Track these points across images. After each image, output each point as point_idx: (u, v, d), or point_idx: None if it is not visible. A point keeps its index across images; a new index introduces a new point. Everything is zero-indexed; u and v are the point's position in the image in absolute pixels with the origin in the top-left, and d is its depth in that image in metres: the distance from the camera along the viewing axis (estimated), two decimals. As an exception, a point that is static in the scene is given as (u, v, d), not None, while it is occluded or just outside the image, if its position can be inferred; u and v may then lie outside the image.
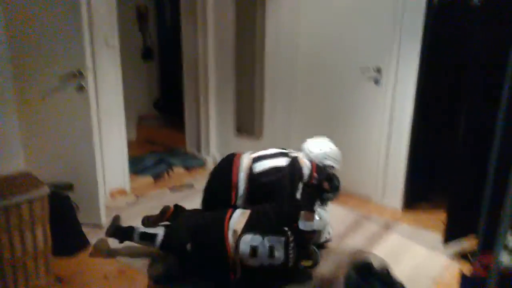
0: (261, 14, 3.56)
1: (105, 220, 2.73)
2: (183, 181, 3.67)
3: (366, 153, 3.21)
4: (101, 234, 2.57)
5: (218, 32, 3.92)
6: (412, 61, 2.81)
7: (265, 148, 2.54)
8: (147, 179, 3.65)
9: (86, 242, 2.45)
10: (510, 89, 1.82)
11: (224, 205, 2.23)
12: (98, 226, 2.68)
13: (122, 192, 3.32)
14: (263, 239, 1.92)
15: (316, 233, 2.17)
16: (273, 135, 3.77)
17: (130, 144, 3.57)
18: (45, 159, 2.54)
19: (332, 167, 2.42)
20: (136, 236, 2.25)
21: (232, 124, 4.05)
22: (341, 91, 3.25)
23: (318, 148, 2.45)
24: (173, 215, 2.51)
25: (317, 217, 2.10)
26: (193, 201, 3.16)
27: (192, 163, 4.08)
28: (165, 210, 2.55)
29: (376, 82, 3.02)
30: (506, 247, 1.25)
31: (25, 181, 2.03)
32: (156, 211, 2.93)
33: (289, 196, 2.17)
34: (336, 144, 3.37)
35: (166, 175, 3.79)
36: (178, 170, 3.92)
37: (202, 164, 4.11)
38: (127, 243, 2.31)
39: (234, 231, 2.01)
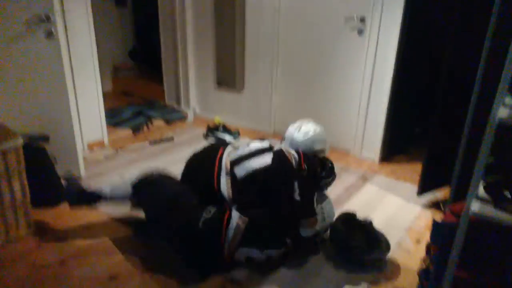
0: (243, -42, 3.37)
1: (84, 173, 2.70)
2: (163, 134, 3.62)
3: (347, 106, 3.23)
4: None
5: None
6: (397, 9, 2.76)
7: (243, 141, 2.42)
8: (125, 132, 3.58)
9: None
10: (492, 41, 1.84)
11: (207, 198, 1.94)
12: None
13: (100, 144, 3.26)
14: (261, 252, 1.81)
15: (320, 233, 2.02)
16: (254, 88, 3.71)
17: (106, 96, 3.46)
18: (18, 111, 2.42)
19: (323, 150, 2.15)
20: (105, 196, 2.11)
21: (212, 76, 3.96)
22: (324, 43, 3.20)
23: (302, 135, 2.10)
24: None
25: (321, 217, 1.95)
26: (173, 154, 3.16)
27: (173, 116, 4.01)
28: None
29: (360, 32, 2.97)
30: (477, 196, 1.32)
31: (-3, 132, 1.95)
32: (136, 164, 2.92)
33: (286, 201, 1.86)
34: (318, 96, 3.40)
35: (145, 128, 3.72)
36: (158, 123, 3.85)
37: (182, 117, 4.04)
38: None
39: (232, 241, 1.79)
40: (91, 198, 2.11)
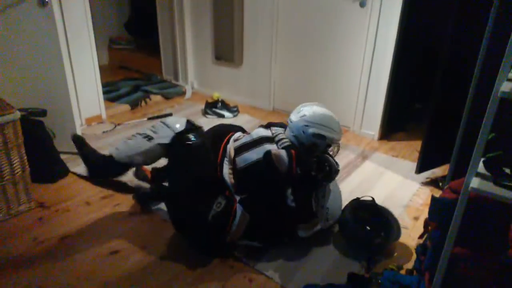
0: None
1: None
2: (161, 110, 3.59)
3: (347, 82, 3.19)
4: (80, 162, 2.55)
5: None
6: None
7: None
8: (123, 107, 3.54)
9: (66, 169, 2.42)
10: (496, 15, 1.80)
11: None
12: (76, 154, 2.63)
13: (98, 119, 3.23)
14: (261, 244, 1.83)
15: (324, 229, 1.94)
16: (253, 63, 3.66)
17: (102, 69, 3.40)
18: (14, 85, 2.39)
19: (320, 136, 1.83)
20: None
21: (210, 50, 3.88)
22: (325, 15, 3.12)
23: (297, 114, 1.88)
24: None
25: (323, 218, 1.88)
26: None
27: (171, 91, 3.96)
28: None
29: (362, 4, 2.90)
30: (477, 173, 1.32)
31: (-7, 105, 1.92)
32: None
33: (280, 207, 1.79)
34: (318, 72, 3.36)
35: (143, 103, 3.68)
36: (156, 98, 3.81)
37: (181, 92, 4.00)
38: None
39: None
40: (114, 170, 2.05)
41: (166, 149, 1.85)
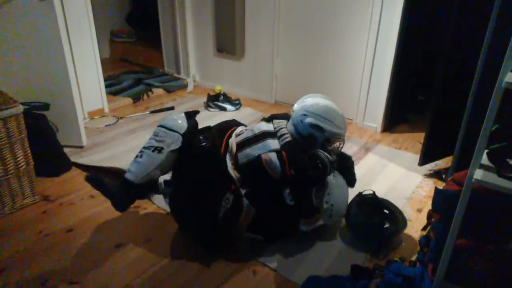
0: None
1: (86, 142, 2.70)
2: (163, 103, 3.58)
3: (350, 74, 3.18)
4: (84, 155, 2.56)
5: None
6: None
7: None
8: (126, 101, 3.54)
9: (69, 162, 2.43)
10: (500, 4, 1.78)
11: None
12: (79, 147, 2.65)
13: (101, 113, 3.23)
14: (265, 238, 1.84)
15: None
16: (255, 55, 3.64)
17: (104, 62, 3.40)
18: (16, 79, 2.39)
19: (318, 127, 1.78)
20: (160, 186, 1.92)
21: (212, 43, 3.87)
22: (327, 7, 3.09)
23: (300, 104, 1.85)
24: None
25: (327, 215, 1.84)
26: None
27: (172, 84, 3.95)
28: None
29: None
30: (480, 164, 1.32)
31: (-3, 99, 1.92)
32: (137, 134, 2.91)
33: (279, 206, 1.77)
34: (320, 65, 3.34)
35: (145, 96, 3.68)
36: (158, 91, 3.80)
37: (182, 86, 3.99)
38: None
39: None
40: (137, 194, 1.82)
41: (178, 152, 1.75)
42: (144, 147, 1.74)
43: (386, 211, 1.91)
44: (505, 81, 1.17)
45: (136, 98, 3.60)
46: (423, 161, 2.53)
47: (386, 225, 1.82)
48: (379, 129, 3.16)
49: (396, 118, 3.25)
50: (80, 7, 2.85)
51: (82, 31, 2.91)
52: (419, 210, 2.16)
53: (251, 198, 1.75)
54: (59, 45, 2.35)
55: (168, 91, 3.86)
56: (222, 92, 3.53)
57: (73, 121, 2.57)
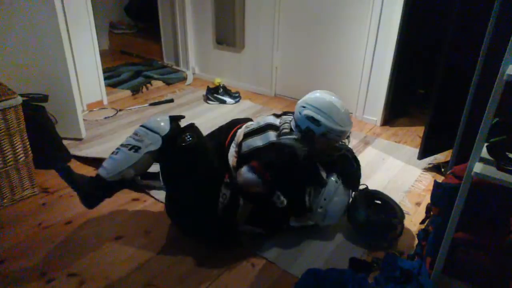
0: None
1: (85, 134, 2.69)
2: (162, 96, 3.57)
3: (351, 68, 3.16)
4: (83, 148, 2.56)
5: None
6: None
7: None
8: (125, 93, 3.52)
9: (68, 154, 2.43)
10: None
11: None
12: (78, 139, 2.64)
13: (100, 105, 3.22)
14: (264, 230, 1.84)
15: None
16: (255, 47, 3.62)
17: (103, 54, 3.38)
18: (15, 70, 2.37)
19: (314, 120, 1.73)
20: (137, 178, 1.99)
21: (211, 35, 3.84)
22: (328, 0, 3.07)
23: (304, 97, 1.84)
24: None
25: (320, 217, 1.82)
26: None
27: (172, 77, 3.94)
28: None
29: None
30: (480, 157, 1.32)
31: (-5, 91, 1.91)
32: (137, 126, 2.89)
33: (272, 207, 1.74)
34: (320, 58, 3.32)
35: (144, 88, 3.66)
36: (157, 84, 3.79)
37: (182, 78, 3.97)
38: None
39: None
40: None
41: (156, 155, 1.70)
42: (122, 145, 1.70)
43: (383, 203, 1.91)
44: (506, 73, 1.16)
45: (135, 91, 3.58)
46: (422, 155, 2.53)
47: (395, 220, 1.83)
48: (379, 122, 3.15)
49: (396, 112, 3.25)
50: (79, -3, 2.82)
51: (81, 23, 2.88)
52: (418, 204, 2.17)
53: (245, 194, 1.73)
54: (58, 37, 2.33)
55: (168, 83, 3.84)
56: (221, 85, 3.51)
57: (72, 113, 2.56)
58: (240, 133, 1.88)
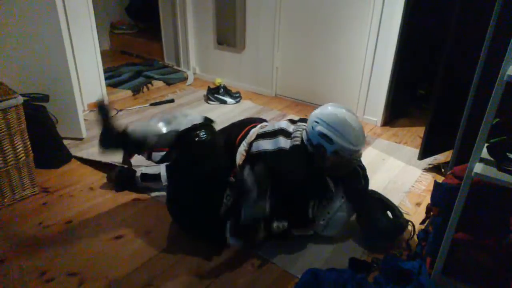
0: None
1: (86, 134, 2.69)
2: (163, 96, 3.57)
3: (351, 68, 3.16)
4: (83, 148, 2.56)
5: None
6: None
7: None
8: (125, 93, 3.53)
9: (69, 155, 2.43)
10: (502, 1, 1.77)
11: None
12: (79, 139, 2.65)
13: (101, 105, 3.22)
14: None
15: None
16: (256, 48, 3.62)
17: (104, 54, 3.38)
18: (16, 71, 2.37)
19: (327, 138, 1.67)
20: (137, 179, 2.12)
21: (212, 35, 3.84)
22: (328, 0, 3.07)
23: (317, 109, 1.78)
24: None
25: (321, 228, 1.82)
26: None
27: (172, 77, 3.94)
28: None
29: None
30: (480, 158, 1.32)
31: (-4, 90, 1.91)
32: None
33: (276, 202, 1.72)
34: (321, 58, 3.32)
35: (145, 89, 3.67)
36: (157, 84, 3.79)
37: (183, 78, 3.98)
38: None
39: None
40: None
41: (174, 141, 1.74)
42: (156, 117, 1.85)
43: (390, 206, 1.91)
44: (507, 74, 1.16)
45: (136, 91, 3.59)
46: (422, 155, 2.53)
47: (402, 219, 1.84)
48: (379, 123, 3.15)
49: (396, 112, 3.25)
50: (80, -2, 2.83)
51: (82, 23, 2.88)
52: (418, 204, 2.17)
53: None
54: (59, 37, 2.33)
55: (168, 83, 3.85)
56: (222, 85, 3.52)
57: (73, 113, 2.56)
58: (254, 133, 1.88)
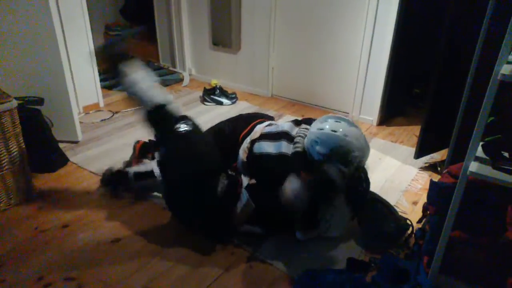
0: None
1: (82, 137, 2.68)
2: (159, 97, 3.56)
3: (347, 68, 3.17)
4: (79, 151, 2.55)
5: None
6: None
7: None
8: (121, 95, 3.51)
9: (65, 158, 2.42)
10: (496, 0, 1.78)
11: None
12: (74, 142, 2.63)
13: (96, 107, 3.21)
14: (263, 230, 1.83)
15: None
16: (251, 49, 3.62)
17: (99, 56, 3.35)
18: (10, 73, 2.36)
19: (327, 158, 1.67)
20: (131, 179, 2.11)
21: (207, 36, 3.84)
22: (324, 1, 3.08)
23: (319, 124, 1.75)
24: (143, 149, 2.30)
25: (323, 230, 1.83)
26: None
27: (168, 78, 3.93)
28: (135, 145, 2.35)
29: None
30: (475, 157, 1.33)
31: (-10, 94, 1.90)
32: (133, 128, 2.90)
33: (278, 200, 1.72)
34: (316, 58, 3.32)
35: (140, 90, 3.65)
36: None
37: (178, 79, 3.97)
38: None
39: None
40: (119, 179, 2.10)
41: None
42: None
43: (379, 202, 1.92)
44: (500, 73, 1.17)
45: (132, 93, 3.57)
46: (418, 154, 2.54)
47: (402, 221, 1.85)
48: (375, 122, 3.16)
49: (392, 111, 3.26)
50: (74, 0, 2.81)
51: (76, 25, 2.87)
52: (415, 203, 2.17)
53: (253, 190, 1.76)
54: (53, 39, 2.32)
55: (164, 85, 3.84)
56: (218, 86, 3.51)
57: (68, 116, 2.55)
58: (258, 130, 1.89)
